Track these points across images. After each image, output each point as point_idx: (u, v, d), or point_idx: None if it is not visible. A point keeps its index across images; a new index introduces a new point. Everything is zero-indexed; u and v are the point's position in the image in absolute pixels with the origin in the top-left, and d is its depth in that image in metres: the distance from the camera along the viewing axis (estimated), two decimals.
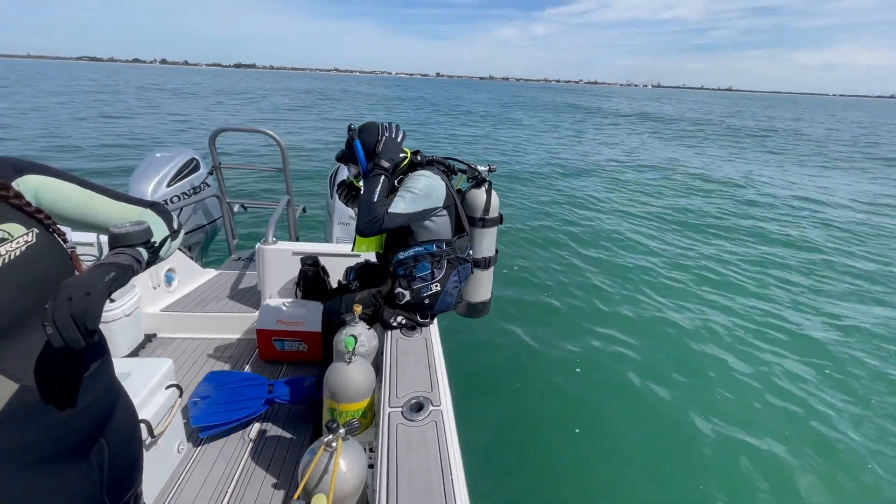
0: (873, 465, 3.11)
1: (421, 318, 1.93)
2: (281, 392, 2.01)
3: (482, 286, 2.16)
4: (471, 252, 2.02)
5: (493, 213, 2.03)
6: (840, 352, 4.50)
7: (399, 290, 1.86)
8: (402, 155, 1.91)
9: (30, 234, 0.79)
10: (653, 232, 7.92)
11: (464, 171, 2.05)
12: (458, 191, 2.06)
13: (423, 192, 1.79)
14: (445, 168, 1.99)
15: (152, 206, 1.02)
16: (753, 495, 2.85)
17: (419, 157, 1.96)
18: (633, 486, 2.87)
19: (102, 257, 0.83)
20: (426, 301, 1.88)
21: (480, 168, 2.04)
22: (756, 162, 16.88)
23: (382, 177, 1.77)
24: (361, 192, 1.78)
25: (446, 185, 1.88)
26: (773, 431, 3.34)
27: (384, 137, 1.84)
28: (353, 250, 2.05)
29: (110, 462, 0.95)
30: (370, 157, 1.85)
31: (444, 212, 1.88)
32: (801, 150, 21.52)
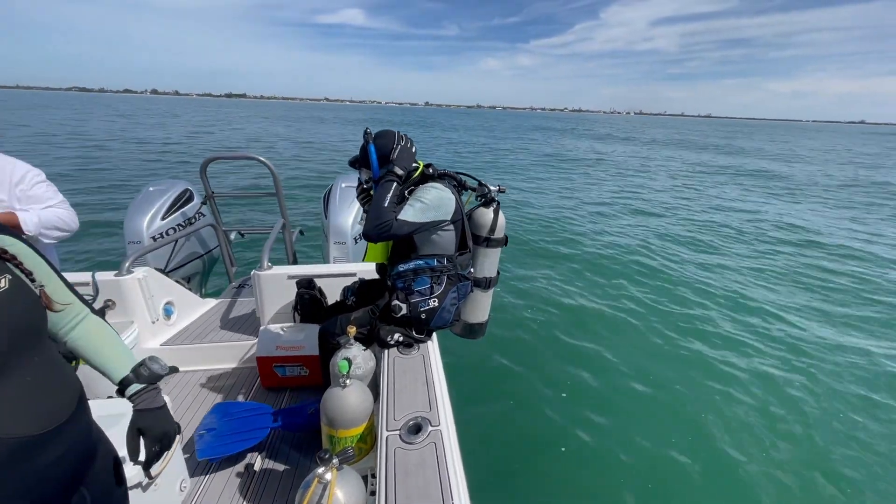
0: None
1: (417, 333, 1.89)
2: (286, 421, 1.97)
3: (481, 307, 2.12)
4: (472, 270, 2.00)
5: (499, 234, 2.01)
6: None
7: (396, 302, 1.83)
8: (414, 165, 1.91)
9: (2, 280, 0.78)
10: (655, 257, 7.84)
11: (473, 189, 2.03)
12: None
13: (432, 203, 1.78)
14: (457, 183, 1.98)
15: (93, 310, 1.09)
16: None
17: (431, 170, 1.95)
18: None
19: (146, 398, 1.07)
20: (423, 316, 1.85)
21: (491, 187, 2.02)
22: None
23: (394, 183, 1.77)
24: (380, 196, 1.77)
25: (456, 199, 1.87)
26: (760, 457, 3.26)
27: (399, 146, 1.84)
28: (363, 260, 2.03)
29: None
30: (383, 163, 1.85)
31: (451, 226, 1.87)
32: None
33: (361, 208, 2.70)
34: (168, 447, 1.08)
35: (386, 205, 1.72)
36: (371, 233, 1.72)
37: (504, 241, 2.04)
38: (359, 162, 1.94)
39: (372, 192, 1.96)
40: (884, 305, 5.86)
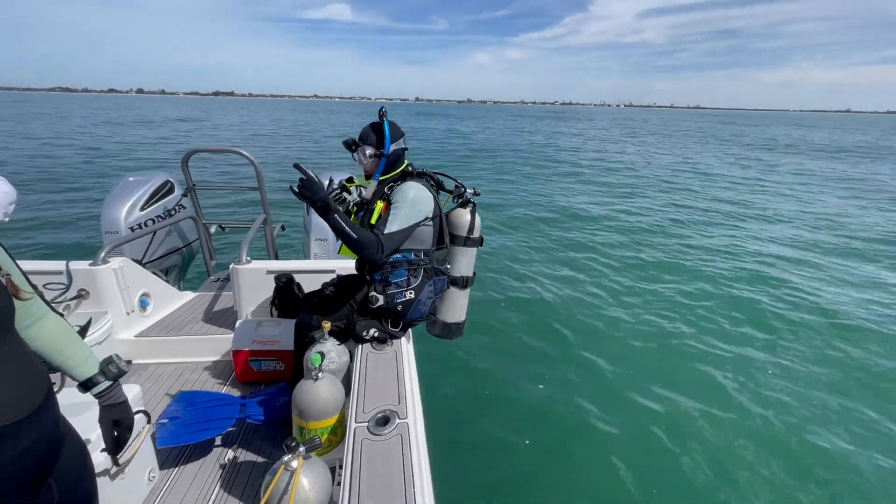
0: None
1: (392, 326, 1.93)
2: (253, 411, 1.99)
3: (458, 306, 2.17)
4: (448, 266, 2.05)
5: (476, 234, 2.07)
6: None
7: (373, 293, 1.87)
8: (403, 149, 1.96)
9: None
10: (625, 250, 8.02)
11: (450, 192, 2.08)
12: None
13: (412, 204, 1.82)
14: (434, 182, 2.03)
15: (51, 307, 1.12)
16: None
17: (410, 168, 2.00)
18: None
19: (114, 394, 1.13)
20: (399, 307, 1.89)
21: (467, 189, 2.07)
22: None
23: (335, 214, 1.68)
24: (341, 233, 1.69)
25: (434, 197, 1.92)
26: (722, 448, 3.39)
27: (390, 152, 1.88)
28: (338, 252, 2.06)
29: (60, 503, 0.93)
30: (394, 140, 1.88)
31: (430, 222, 1.91)
32: None
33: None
34: (130, 434, 1.19)
35: (356, 234, 1.69)
36: (374, 259, 1.76)
37: (480, 242, 2.10)
38: (363, 139, 1.90)
39: (357, 186, 2.00)
40: None
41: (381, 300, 1.86)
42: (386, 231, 1.75)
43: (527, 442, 3.33)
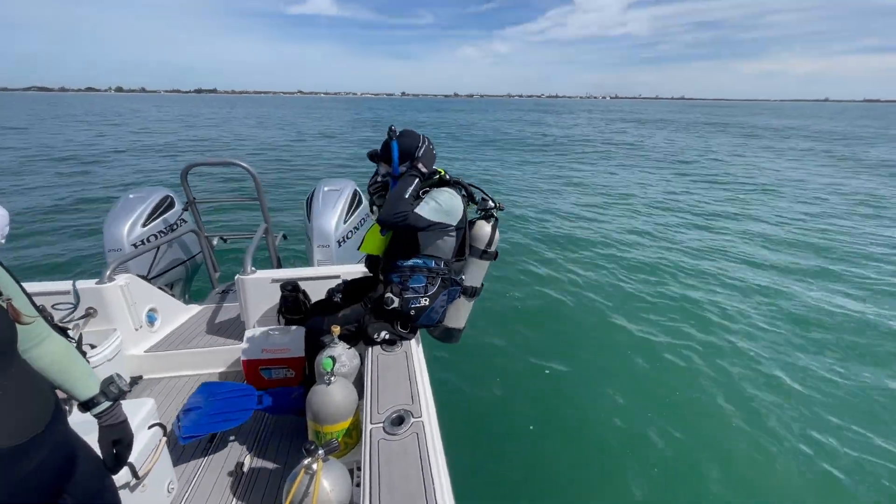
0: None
1: (402, 328, 1.96)
2: (269, 402, 2.02)
3: (462, 314, 2.22)
4: (463, 277, 2.08)
5: (493, 248, 2.11)
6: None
7: (389, 295, 1.90)
8: (434, 168, 2.00)
9: None
10: (632, 240, 8.03)
11: (476, 203, 2.12)
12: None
13: (445, 205, 1.87)
14: (466, 193, 2.06)
15: (56, 329, 1.13)
16: (707, 493, 2.94)
17: (447, 177, 2.05)
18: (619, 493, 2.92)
19: (114, 414, 1.14)
20: (412, 312, 1.92)
21: (492, 203, 2.11)
22: None
23: (417, 179, 1.88)
24: (393, 187, 1.87)
25: (464, 207, 1.96)
26: (723, 435, 3.40)
27: (424, 146, 1.93)
28: (358, 249, 2.10)
29: None
30: (403, 160, 1.93)
31: (455, 232, 1.95)
32: None
33: (358, 205, 3.01)
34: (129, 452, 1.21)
35: (406, 196, 1.82)
36: (388, 219, 1.80)
37: (495, 256, 2.13)
38: (379, 156, 2.01)
39: (389, 186, 2.04)
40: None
41: (395, 303, 1.89)
42: (416, 210, 1.82)
43: (531, 427, 3.38)
